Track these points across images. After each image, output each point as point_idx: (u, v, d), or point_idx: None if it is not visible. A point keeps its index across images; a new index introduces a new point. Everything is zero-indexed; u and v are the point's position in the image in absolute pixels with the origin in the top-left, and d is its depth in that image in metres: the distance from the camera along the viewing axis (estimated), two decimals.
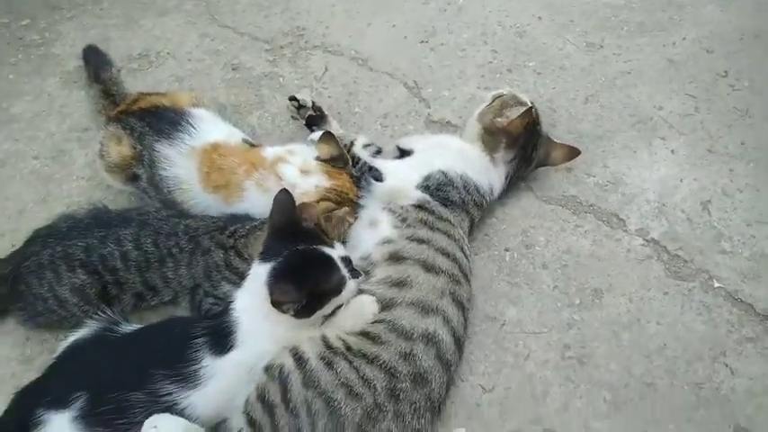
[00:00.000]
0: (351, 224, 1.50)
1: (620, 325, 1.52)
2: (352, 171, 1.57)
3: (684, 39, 2.18)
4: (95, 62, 2.09)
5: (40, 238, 1.50)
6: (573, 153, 1.73)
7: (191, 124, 1.62)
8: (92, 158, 1.92)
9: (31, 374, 1.48)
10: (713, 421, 1.38)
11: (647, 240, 1.67)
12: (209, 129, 1.64)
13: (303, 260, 1.29)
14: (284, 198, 1.35)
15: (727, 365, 1.46)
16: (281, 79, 2.11)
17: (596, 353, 1.48)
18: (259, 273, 1.29)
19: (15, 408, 1.32)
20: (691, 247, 1.65)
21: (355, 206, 1.54)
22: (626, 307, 1.55)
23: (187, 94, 1.79)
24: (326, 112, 1.88)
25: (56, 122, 2.04)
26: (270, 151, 1.59)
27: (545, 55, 2.15)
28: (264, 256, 1.31)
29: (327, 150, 1.56)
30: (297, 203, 1.37)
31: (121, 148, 1.64)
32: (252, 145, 1.65)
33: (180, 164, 1.58)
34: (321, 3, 2.37)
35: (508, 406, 1.41)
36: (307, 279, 1.25)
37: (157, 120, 1.63)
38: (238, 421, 1.28)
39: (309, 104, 1.87)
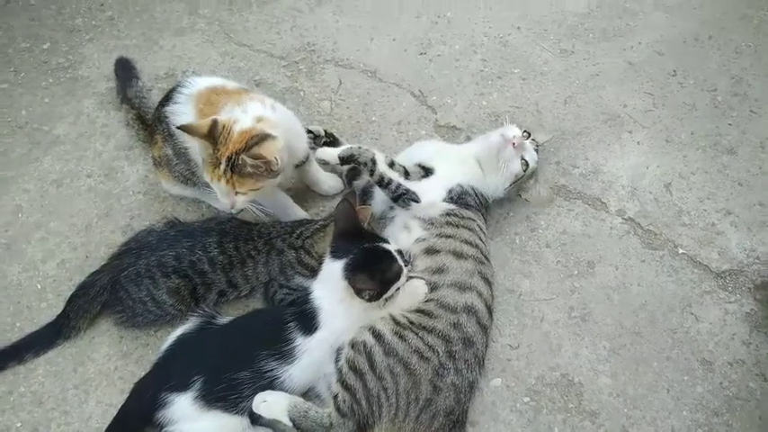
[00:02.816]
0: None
1: (611, 288, 1.92)
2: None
3: (640, 43, 2.58)
4: (123, 78, 2.29)
5: (133, 250, 1.75)
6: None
7: (188, 80, 1.81)
8: (143, 174, 2.15)
9: (130, 367, 1.77)
10: (685, 357, 1.80)
11: (624, 219, 2.07)
12: (208, 79, 1.81)
13: (372, 255, 1.61)
14: (346, 206, 1.67)
15: (692, 314, 1.88)
16: (301, 93, 2.38)
17: (594, 312, 1.88)
18: (333, 268, 1.60)
19: (138, 395, 1.60)
20: (659, 222, 2.06)
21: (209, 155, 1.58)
22: (613, 274, 1.95)
23: None
24: (339, 138, 2.09)
25: (101, 142, 2.24)
26: (256, 97, 1.69)
27: (527, 62, 2.50)
28: (336, 254, 1.62)
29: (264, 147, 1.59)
30: (348, 205, 1.67)
31: (158, 146, 1.87)
32: (245, 90, 1.77)
33: (182, 111, 1.75)
34: (325, 19, 2.64)
35: (532, 358, 1.79)
36: (377, 270, 1.57)
37: (166, 96, 1.85)
38: (324, 388, 1.62)
39: (322, 134, 2.07)
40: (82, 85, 2.41)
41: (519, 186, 1.97)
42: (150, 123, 2.04)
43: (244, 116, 1.59)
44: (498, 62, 2.50)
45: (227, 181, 1.57)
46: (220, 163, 1.55)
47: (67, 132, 2.27)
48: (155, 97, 2.27)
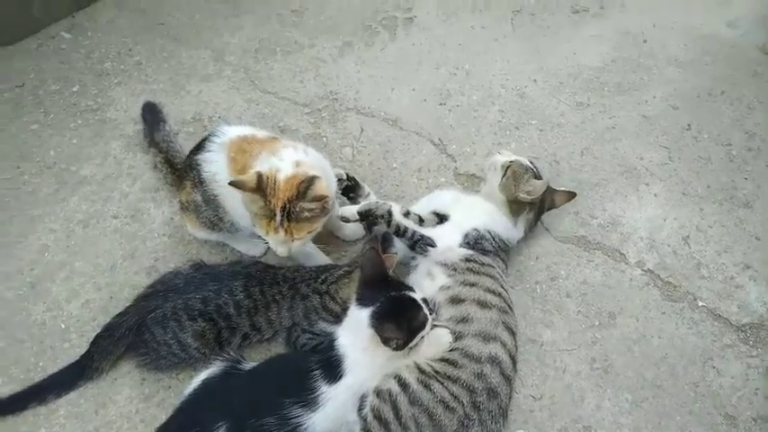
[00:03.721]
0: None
1: (632, 340, 1.93)
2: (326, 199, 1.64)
3: (654, 97, 2.65)
4: (150, 121, 2.36)
5: (160, 292, 1.77)
6: (571, 196, 2.12)
7: (220, 130, 1.85)
8: (169, 216, 2.19)
9: (152, 410, 1.77)
10: (708, 412, 1.80)
11: (644, 271, 2.09)
12: (239, 128, 1.86)
13: (399, 304, 1.62)
14: (373, 254, 1.69)
15: (714, 367, 1.88)
16: (324, 139, 2.44)
17: (616, 363, 1.88)
18: (360, 316, 1.61)
19: None
20: (678, 274, 2.08)
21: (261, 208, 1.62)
22: (634, 326, 1.96)
23: None
24: (360, 182, 2.13)
25: (127, 184, 2.29)
26: (288, 143, 1.74)
27: (543, 114, 2.57)
28: (362, 302, 1.63)
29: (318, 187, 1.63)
30: (375, 253, 1.70)
31: (186, 191, 1.91)
32: (275, 138, 1.82)
33: (214, 159, 1.79)
34: (347, 69, 2.72)
35: (554, 410, 1.78)
36: (404, 319, 1.59)
37: (199, 145, 1.89)
38: None
39: (344, 176, 2.12)
40: (110, 127, 2.48)
41: (517, 187, 1.97)
42: (180, 168, 2.09)
43: (282, 164, 1.63)
44: (516, 113, 2.56)
45: (286, 230, 1.62)
46: (275, 214, 1.59)
47: (94, 173, 2.32)
48: (182, 141, 2.34)
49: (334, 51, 2.79)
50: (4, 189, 2.25)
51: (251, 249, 2.07)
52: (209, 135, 1.87)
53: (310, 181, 1.60)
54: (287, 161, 1.65)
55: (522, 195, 1.96)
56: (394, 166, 2.36)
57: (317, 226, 1.69)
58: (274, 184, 1.59)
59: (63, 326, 1.92)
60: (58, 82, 2.64)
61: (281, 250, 1.68)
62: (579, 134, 2.50)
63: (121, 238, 2.14)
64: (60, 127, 2.46)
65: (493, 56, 2.80)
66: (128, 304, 1.82)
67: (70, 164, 2.35)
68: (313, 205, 1.60)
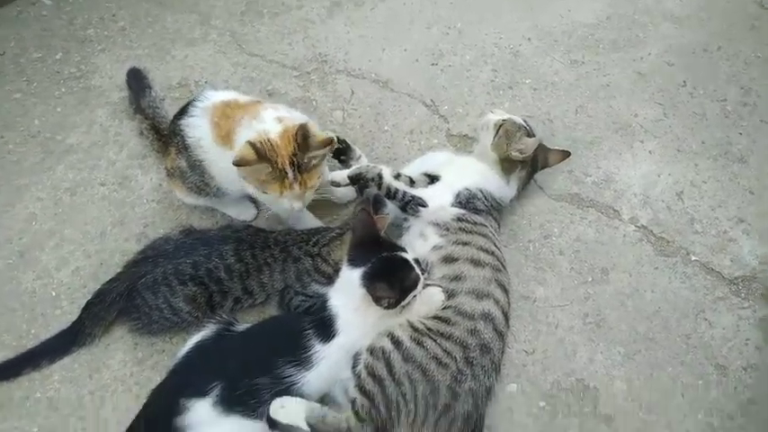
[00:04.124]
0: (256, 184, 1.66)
1: (625, 295, 1.93)
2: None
3: (650, 54, 2.60)
4: (135, 88, 2.31)
5: (150, 258, 1.76)
6: (565, 155, 2.10)
7: (203, 95, 1.83)
8: (157, 183, 2.17)
9: (146, 373, 1.78)
10: (699, 362, 1.81)
11: (637, 227, 2.08)
12: (222, 92, 1.84)
13: (390, 264, 1.61)
14: (364, 216, 1.68)
15: (706, 319, 1.89)
16: (314, 103, 2.40)
17: (609, 318, 1.88)
18: (351, 276, 1.61)
19: (156, 400, 1.60)
20: (671, 229, 2.08)
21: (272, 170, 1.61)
22: (627, 281, 1.96)
23: None
24: (351, 144, 2.09)
25: (114, 151, 2.26)
26: (268, 105, 1.73)
27: (537, 72, 2.53)
28: (354, 263, 1.62)
29: (319, 135, 1.66)
30: (366, 214, 1.69)
31: (171, 157, 1.90)
32: (258, 102, 1.80)
33: (197, 124, 1.77)
34: (336, 30, 2.66)
35: (547, 364, 1.79)
36: (396, 279, 1.58)
37: (181, 110, 1.87)
38: (340, 393, 1.62)
39: (335, 140, 2.10)
40: (95, 94, 2.44)
41: (509, 146, 1.95)
42: (165, 134, 2.06)
43: (265, 125, 1.62)
44: (509, 72, 2.52)
45: (300, 184, 1.63)
46: (286, 173, 1.60)
47: (80, 141, 2.29)
48: (168, 107, 2.30)
49: (323, 12, 2.73)
50: None
51: (241, 214, 2.05)
52: (193, 100, 1.84)
53: (304, 129, 1.60)
54: (268, 121, 1.63)
55: (514, 154, 1.94)
56: (385, 128, 2.33)
57: (323, 171, 1.73)
58: (271, 145, 1.58)
59: (54, 293, 1.92)
60: (40, 50, 2.58)
61: (298, 205, 1.68)
62: (573, 92, 2.46)
63: (110, 206, 2.12)
64: (44, 95, 2.42)
65: (485, 14, 2.74)
66: (118, 270, 1.81)
67: (55, 132, 2.32)
68: (321, 151, 1.63)
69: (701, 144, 2.30)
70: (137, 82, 2.35)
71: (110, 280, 1.79)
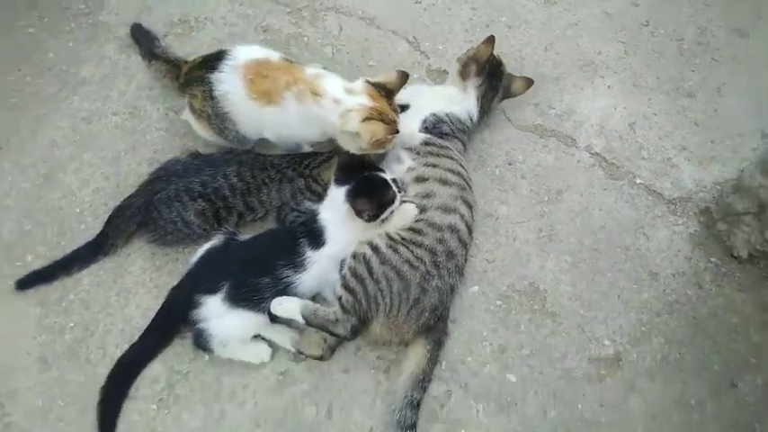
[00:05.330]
0: (392, 143, 1.96)
1: (575, 213, 2.22)
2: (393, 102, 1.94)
3: None
4: (145, 41, 2.46)
5: (163, 177, 2.01)
6: (529, 83, 2.30)
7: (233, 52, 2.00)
8: (164, 112, 2.39)
9: (163, 278, 2.05)
10: (635, 270, 2.12)
11: (591, 153, 2.35)
12: (250, 49, 2.01)
13: (370, 182, 1.88)
14: None
15: (644, 234, 2.19)
16: (305, 39, 2.60)
17: (560, 232, 2.18)
18: (337, 193, 1.88)
19: (174, 297, 1.90)
20: (621, 156, 2.34)
21: (395, 126, 1.91)
22: (578, 200, 2.24)
23: None
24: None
25: (124, 83, 2.46)
26: (308, 70, 1.96)
27: (513, 11, 2.71)
28: (340, 182, 1.89)
29: (384, 78, 1.96)
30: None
31: (199, 100, 2.07)
32: (290, 62, 2.00)
33: (226, 79, 1.96)
34: None
35: (504, 270, 2.10)
36: (375, 195, 1.85)
37: (209, 62, 2.04)
38: (329, 293, 1.92)
39: None
40: (103, 30, 2.60)
41: (467, 55, 2.22)
42: (185, 77, 2.17)
43: (348, 98, 1.89)
44: (487, 11, 2.71)
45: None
46: (393, 120, 1.91)
47: (92, 74, 2.48)
48: (171, 43, 2.49)
49: None
50: (11, 90, 2.41)
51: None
52: (221, 55, 2.00)
53: (371, 83, 1.92)
54: (337, 88, 1.92)
55: (470, 58, 2.19)
56: (371, 63, 2.54)
57: None
58: (378, 113, 1.87)
59: (78, 210, 2.16)
60: None
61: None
62: (544, 31, 2.66)
63: (123, 133, 2.34)
64: (55, 30, 2.58)
65: None
66: (136, 189, 2.05)
67: (69, 65, 2.50)
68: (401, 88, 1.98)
69: (656, 80, 2.53)
70: (143, 35, 2.49)
71: (128, 196, 2.04)
